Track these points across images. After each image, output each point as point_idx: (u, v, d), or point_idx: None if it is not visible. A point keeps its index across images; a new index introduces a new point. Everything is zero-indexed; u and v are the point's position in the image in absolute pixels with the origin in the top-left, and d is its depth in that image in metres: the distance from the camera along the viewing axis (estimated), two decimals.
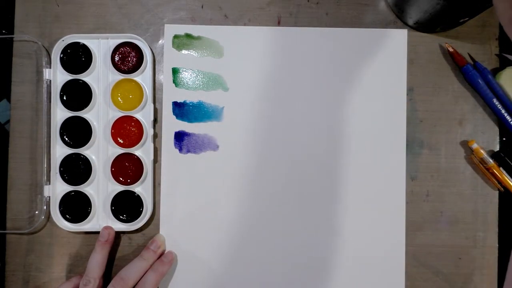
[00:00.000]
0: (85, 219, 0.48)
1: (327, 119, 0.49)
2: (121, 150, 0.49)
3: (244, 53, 0.50)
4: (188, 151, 0.49)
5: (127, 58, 0.49)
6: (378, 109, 0.49)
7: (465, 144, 0.49)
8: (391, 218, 0.49)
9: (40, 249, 0.49)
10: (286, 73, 0.50)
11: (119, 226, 0.48)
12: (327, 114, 0.49)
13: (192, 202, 0.49)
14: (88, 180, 0.48)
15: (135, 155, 0.49)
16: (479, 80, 0.49)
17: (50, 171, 0.49)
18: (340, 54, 0.50)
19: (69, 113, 0.49)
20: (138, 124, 0.48)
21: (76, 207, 0.48)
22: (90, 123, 0.49)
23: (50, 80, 0.49)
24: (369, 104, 0.49)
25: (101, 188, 0.49)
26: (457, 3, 0.41)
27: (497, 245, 0.49)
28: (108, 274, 0.48)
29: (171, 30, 0.50)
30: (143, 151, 0.49)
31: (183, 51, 0.50)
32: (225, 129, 0.49)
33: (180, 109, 0.50)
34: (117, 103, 0.49)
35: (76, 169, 0.48)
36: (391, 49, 0.50)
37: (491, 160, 0.48)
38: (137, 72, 0.49)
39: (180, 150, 0.49)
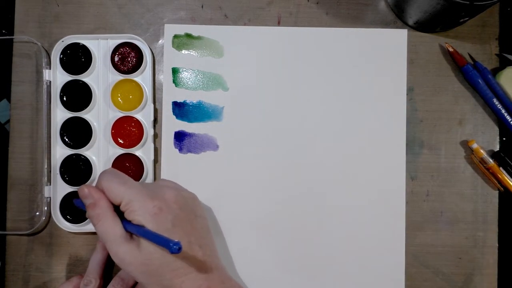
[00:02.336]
0: (86, 219, 0.48)
1: (327, 119, 0.49)
2: (122, 151, 0.49)
3: (244, 53, 0.50)
4: (188, 151, 0.49)
5: (127, 59, 0.49)
6: (378, 109, 0.49)
7: (465, 144, 0.49)
8: (391, 218, 0.49)
9: (40, 249, 0.49)
10: (286, 73, 0.50)
11: None
12: (327, 114, 0.49)
13: None
14: (89, 181, 0.48)
15: (135, 155, 0.49)
16: (479, 80, 0.49)
17: (50, 171, 0.49)
18: (340, 54, 0.50)
19: (69, 114, 0.49)
20: (138, 124, 0.48)
21: (77, 207, 0.48)
22: (90, 123, 0.49)
23: (50, 81, 0.49)
24: (369, 104, 0.49)
25: None
26: (457, 3, 0.41)
27: (497, 245, 0.49)
28: (108, 274, 0.49)
29: (171, 30, 0.50)
30: (143, 151, 0.49)
31: (183, 51, 0.50)
32: (225, 129, 0.49)
33: (180, 109, 0.50)
34: (117, 103, 0.49)
35: (77, 170, 0.48)
36: (391, 49, 0.50)
37: (491, 160, 0.48)
38: (137, 72, 0.49)
39: (180, 150, 0.49)
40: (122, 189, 0.38)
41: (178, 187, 0.44)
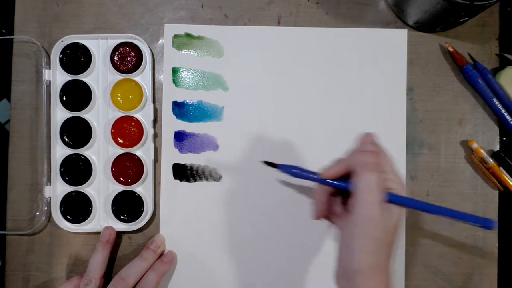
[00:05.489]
0: (86, 219, 0.48)
1: (327, 118, 0.49)
2: (121, 150, 0.49)
3: (244, 53, 0.50)
4: (188, 151, 0.49)
5: (126, 58, 0.49)
6: (378, 109, 0.49)
7: (465, 144, 0.49)
8: None
9: (41, 249, 0.49)
10: (286, 73, 0.50)
11: (120, 226, 0.49)
12: (327, 114, 0.49)
13: (192, 202, 0.49)
14: (89, 181, 0.48)
15: (135, 155, 0.49)
16: (479, 80, 0.49)
17: (50, 171, 0.49)
18: (340, 54, 0.49)
19: (69, 114, 0.49)
20: (138, 124, 0.48)
21: (77, 207, 0.48)
22: (90, 123, 0.49)
23: (50, 81, 0.49)
24: (369, 104, 0.49)
25: (101, 189, 0.49)
26: (457, 3, 0.41)
27: (497, 245, 0.49)
28: (108, 274, 0.49)
29: (171, 29, 0.50)
30: (143, 151, 0.49)
31: (183, 51, 0.50)
32: (225, 129, 0.49)
33: (180, 109, 0.50)
34: (117, 103, 0.49)
35: (77, 170, 0.48)
36: (391, 49, 0.50)
37: (491, 160, 0.48)
38: (136, 72, 0.49)
39: (180, 150, 0.49)
40: (390, 161, 0.39)
41: None
